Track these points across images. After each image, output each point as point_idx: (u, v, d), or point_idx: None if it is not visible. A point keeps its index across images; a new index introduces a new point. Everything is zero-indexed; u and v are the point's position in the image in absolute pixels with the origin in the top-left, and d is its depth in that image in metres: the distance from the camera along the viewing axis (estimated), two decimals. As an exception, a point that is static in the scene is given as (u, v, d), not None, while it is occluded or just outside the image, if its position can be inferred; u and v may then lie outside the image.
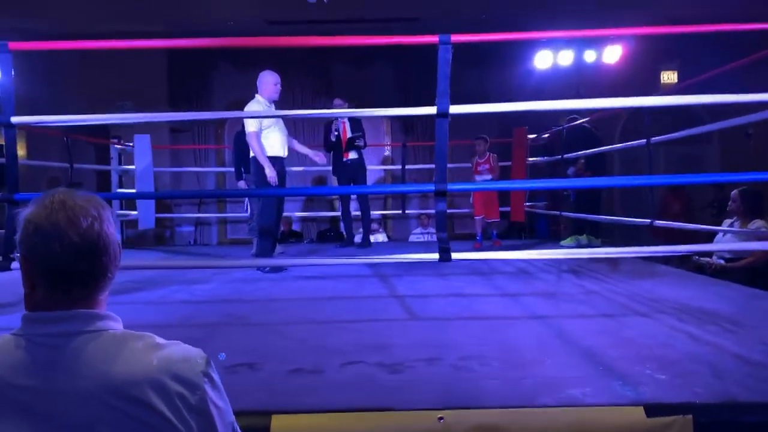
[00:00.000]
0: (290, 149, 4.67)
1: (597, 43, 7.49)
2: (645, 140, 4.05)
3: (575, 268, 4.15)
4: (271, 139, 4.34)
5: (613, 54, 7.44)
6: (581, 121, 5.42)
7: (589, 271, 4.04)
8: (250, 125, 4.25)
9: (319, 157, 4.90)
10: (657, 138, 4.04)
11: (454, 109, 2.30)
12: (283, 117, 4.58)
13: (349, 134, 5.65)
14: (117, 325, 0.94)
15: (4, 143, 2.47)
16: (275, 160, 4.33)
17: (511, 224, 8.06)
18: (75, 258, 0.88)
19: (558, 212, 5.89)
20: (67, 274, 0.89)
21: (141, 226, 6.14)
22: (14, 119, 2.42)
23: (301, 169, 7.75)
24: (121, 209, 6.64)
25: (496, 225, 6.04)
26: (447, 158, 2.34)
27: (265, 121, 4.33)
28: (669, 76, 8.38)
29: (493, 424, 1.62)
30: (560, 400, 1.73)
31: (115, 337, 0.90)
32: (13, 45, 2.41)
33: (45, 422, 0.84)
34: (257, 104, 4.34)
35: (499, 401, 1.74)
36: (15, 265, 2.60)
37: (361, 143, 5.60)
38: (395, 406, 1.75)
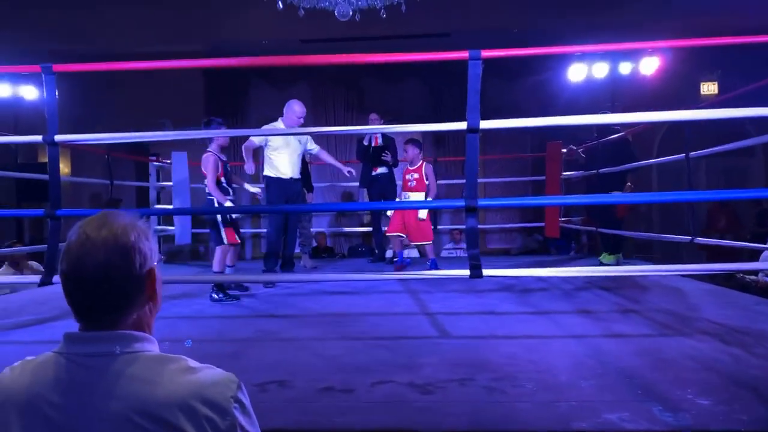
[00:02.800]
0: (320, 161, 5.04)
1: (633, 54, 7.35)
2: (684, 155, 3.93)
3: (611, 285, 4.04)
4: (277, 160, 4.63)
5: (650, 66, 7.29)
6: (619, 135, 5.29)
7: (626, 289, 3.93)
8: (254, 140, 4.63)
9: (348, 170, 5.08)
10: (696, 153, 3.91)
11: (485, 124, 2.28)
12: (315, 134, 4.70)
13: (380, 143, 5.69)
14: (153, 347, 0.95)
15: (48, 160, 2.57)
16: (281, 181, 4.64)
17: (546, 239, 7.96)
18: (98, 282, 0.90)
19: (594, 228, 5.76)
20: (93, 298, 0.91)
21: (178, 242, 6.27)
22: (57, 137, 2.52)
23: (327, 184, 7.82)
24: (159, 224, 6.80)
25: (430, 250, 5.07)
26: (477, 173, 2.32)
27: (273, 143, 4.59)
28: (709, 87, 8.16)
29: (525, 449, 1.58)
30: (596, 425, 1.67)
31: (150, 360, 0.92)
32: (57, 67, 2.52)
33: None
34: (272, 127, 4.66)
35: (532, 425, 1.70)
36: (56, 279, 2.69)
37: (388, 158, 5.61)
38: (426, 428, 1.72)
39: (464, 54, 2.29)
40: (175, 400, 0.86)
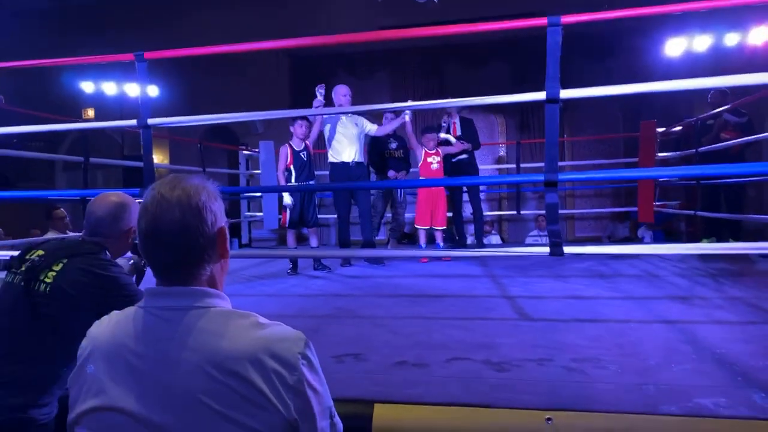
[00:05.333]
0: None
1: (739, 24, 6.70)
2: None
3: (713, 272, 3.74)
4: (338, 146, 4.74)
5: (760, 35, 6.60)
6: (722, 108, 4.87)
7: (730, 275, 3.62)
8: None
9: (407, 115, 4.96)
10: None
11: (566, 93, 2.16)
12: (390, 110, 4.78)
13: (458, 134, 5.58)
14: (225, 304, 0.98)
15: (142, 147, 2.77)
16: (343, 166, 4.71)
17: (637, 225, 7.50)
18: (173, 239, 0.94)
19: (692, 212, 5.35)
20: (169, 254, 0.96)
21: (266, 226, 6.53)
22: (150, 121, 2.71)
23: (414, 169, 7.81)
24: (248, 211, 7.13)
25: (442, 235, 5.15)
26: (558, 146, 2.21)
27: (329, 131, 4.74)
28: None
29: (606, 429, 1.49)
30: (687, 409, 1.55)
31: (222, 314, 0.95)
32: (149, 54, 2.70)
33: (153, 388, 0.90)
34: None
35: (614, 406, 1.60)
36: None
37: (467, 146, 5.49)
38: (500, 404, 1.68)
39: (543, 21, 2.18)
40: (245, 354, 0.88)
